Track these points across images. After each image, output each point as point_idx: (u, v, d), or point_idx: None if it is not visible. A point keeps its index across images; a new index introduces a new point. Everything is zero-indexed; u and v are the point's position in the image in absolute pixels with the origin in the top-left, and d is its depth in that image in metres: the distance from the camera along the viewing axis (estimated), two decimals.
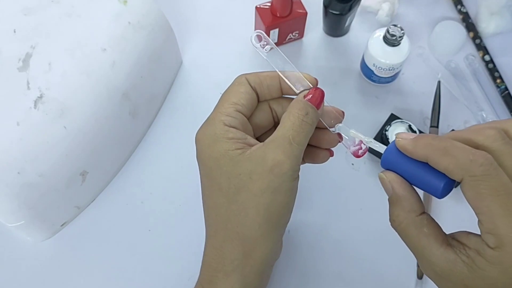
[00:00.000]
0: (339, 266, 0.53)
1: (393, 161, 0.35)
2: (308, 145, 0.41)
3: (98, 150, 0.51)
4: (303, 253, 0.53)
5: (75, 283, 0.52)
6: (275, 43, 0.63)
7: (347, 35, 0.66)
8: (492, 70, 0.63)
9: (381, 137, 0.57)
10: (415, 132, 0.55)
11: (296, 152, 0.37)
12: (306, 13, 0.61)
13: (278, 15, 0.59)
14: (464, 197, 0.31)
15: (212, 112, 0.40)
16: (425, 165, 0.33)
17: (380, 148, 0.38)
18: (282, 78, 0.40)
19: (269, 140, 0.38)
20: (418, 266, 0.52)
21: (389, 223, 0.35)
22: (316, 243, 0.54)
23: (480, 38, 0.65)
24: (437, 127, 0.58)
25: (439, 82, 0.60)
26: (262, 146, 0.37)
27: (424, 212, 0.34)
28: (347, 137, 0.40)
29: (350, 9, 0.60)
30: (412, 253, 0.35)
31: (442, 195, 0.33)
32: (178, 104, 0.61)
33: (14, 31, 0.47)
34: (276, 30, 0.61)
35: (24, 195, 0.46)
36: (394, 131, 0.56)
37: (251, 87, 0.40)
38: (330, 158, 0.42)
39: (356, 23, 0.66)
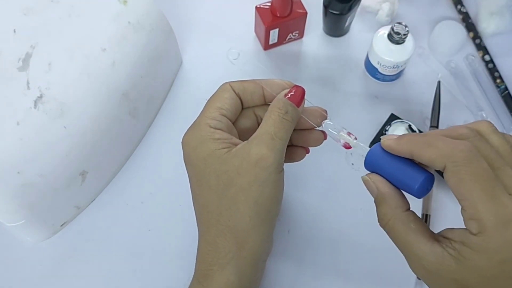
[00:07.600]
0: (339, 265, 0.53)
1: (376, 163, 0.37)
2: (292, 145, 0.44)
3: (98, 150, 0.51)
4: (302, 252, 0.53)
5: (75, 283, 0.52)
6: (275, 43, 0.63)
7: (347, 35, 0.66)
8: (492, 70, 0.63)
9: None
10: (415, 132, 0.55)
11: (278, 146, 0.39)
12: (306, 13, 0.61)
13: (278, 15, 0.59)
14: (448, 186, 0.33)
15: (197, 117, 0.42)
16: (404, 165, 0.35)
17: (363, 150, 0.39)
18: (263, 86, 0.42)
19: (252, 137, 0.40)
20: None
21: None
22: (315, 242, 0.54)
23: (480, 38, 0.65)
24: (437, 127, 0.58)
25: (439, 82, 0.60)
26: (246, 143, 0.39)
27: (409, 208, 0.36)
28: (335, 132, 0.41)
29: (350, 9, 0.60)
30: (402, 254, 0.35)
31: (418, 192, 0.35)
32: (178, 104, 0.61)
33: (14, 31, 0.47)
34: (276, 30, 0.61)
35: (24, 195, 0.46)
36: (394, 131, 0.56)
37: (235, 93, 0.42)
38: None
39: (356, 23, 0.66)
